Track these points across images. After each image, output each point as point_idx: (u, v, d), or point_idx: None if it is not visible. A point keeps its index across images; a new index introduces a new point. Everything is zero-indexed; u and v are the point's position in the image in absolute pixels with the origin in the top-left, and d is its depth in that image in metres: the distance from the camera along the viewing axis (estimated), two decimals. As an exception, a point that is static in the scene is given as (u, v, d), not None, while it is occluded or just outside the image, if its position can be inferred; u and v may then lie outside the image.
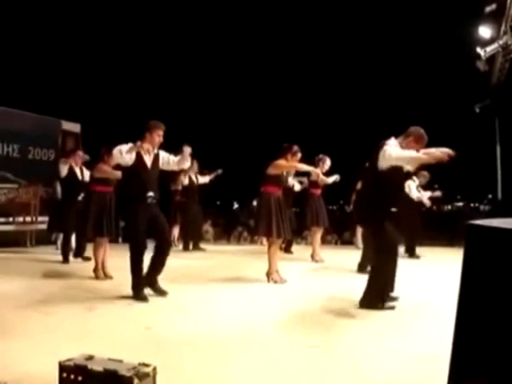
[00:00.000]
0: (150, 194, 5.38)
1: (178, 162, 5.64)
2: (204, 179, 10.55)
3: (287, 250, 9.85)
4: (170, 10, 21.34)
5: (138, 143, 5.28)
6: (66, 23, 18.17)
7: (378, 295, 4.85)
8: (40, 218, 10.65)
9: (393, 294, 5.07)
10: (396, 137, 4.92)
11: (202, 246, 10.65)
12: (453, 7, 16.14)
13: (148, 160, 5.44)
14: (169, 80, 22.02)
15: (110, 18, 19.33)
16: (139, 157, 5.36)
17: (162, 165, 5.60)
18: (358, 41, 22.21)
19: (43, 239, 10.63)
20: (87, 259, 7.98)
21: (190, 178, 10.34)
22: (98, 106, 17.96)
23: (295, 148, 6.50)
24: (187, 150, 5.56)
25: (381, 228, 4.86)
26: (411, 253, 9.15)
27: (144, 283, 5.37)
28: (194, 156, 10.45)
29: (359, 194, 6.17)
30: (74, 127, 12.64)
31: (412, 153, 4.72)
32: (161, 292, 5.41)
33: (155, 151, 5.50)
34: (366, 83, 22.64)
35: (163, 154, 5.61)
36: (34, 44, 17.14)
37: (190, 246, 10.41)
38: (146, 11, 21.01)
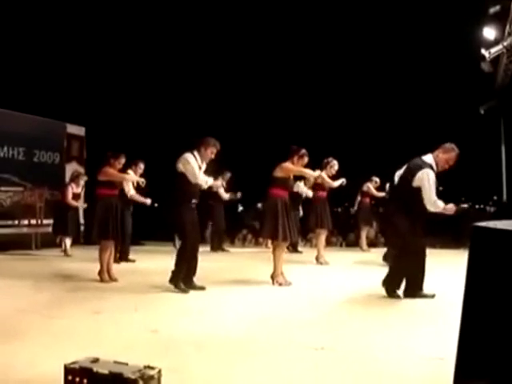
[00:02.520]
0: (194, 200, 6.00)
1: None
2: (224, 195, 10.74)
3: (294, 249, 9.98)
4: (174, 15, 21.39)
5: (196, 154, 5.95)
6: (70, 26, 18.22)
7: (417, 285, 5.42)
8: (45, 221, 10.70)
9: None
10: (432, 151, 5.48)
11: (207, 248, 10.76)
12: (457, 9, 16.10)
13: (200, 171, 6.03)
14: (174, 83, 22.04)
15: (114, 22, 19.38)
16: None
17: None
18: (364, 44, 22.17)
19: (48, 242, 10.66)
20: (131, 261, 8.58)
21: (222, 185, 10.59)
22: (102, 110, 17.97)
23: (303, 151, 6.49)
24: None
25: (411, 236, 5.37)
26: None
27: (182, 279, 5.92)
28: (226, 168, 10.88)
29: (388, 205, 6.42)
30: (78, 130, 12.72)
31: (437, 202, 5.31)
32: (199, 288, 5.95)
33: (204, 164, 6.08)
34: (372, 86, 22.61)
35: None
36: (38, 47, 17.18)
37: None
38: (150, 16, 21.05)
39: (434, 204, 5.30)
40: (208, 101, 22.73)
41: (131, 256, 8.69)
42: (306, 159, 6.54)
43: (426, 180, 5.28)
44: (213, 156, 6.05)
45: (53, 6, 17.30)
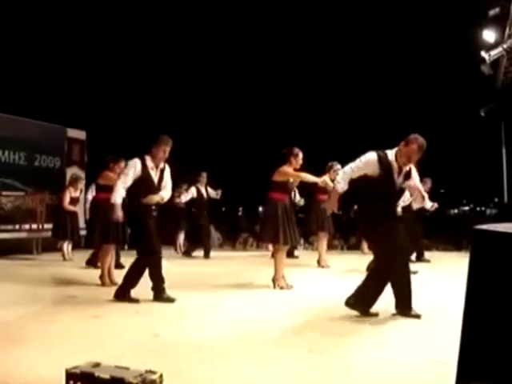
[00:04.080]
0: (153, 207, 5.68)
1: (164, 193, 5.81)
2: (215, 194, 10.51)
3: (291, 255, 9.85)
4: (175, 19, 21.49)
5: (148, 158, 5.55)
6: (71, 32, 18.27)
7: (407, 302, 4.75)
8: (46, 226, 10.68)
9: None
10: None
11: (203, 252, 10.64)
12: (457, 11, 16.14)
13: (154, 175, 5.64)
14: (174, 88, 22.09)
15: (115, 28, 19.43)
16: (146, 171, 5.57)
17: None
18: (364, 47, 22.23)
19: (49, 246, 10.66)
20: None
21: (199, 191, 10.33)
22: (103, 114, 18.01)
23: (296, 150, 6.45)
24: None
25: (379, 234, 4.78)
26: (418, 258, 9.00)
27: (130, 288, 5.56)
28: (203, 169, 10.57)
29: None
30: (79, 134, 12.73)
31: (338, 177, 5.03)
32: (133, 300, 5.51)
33: (161, 165, 5.69)
34: (372, 89, 22.65)
35: (167, 174, 5.77)
36: (39, 52, 17.23)
37: (193, 253, 10.50)
38: (150, 20, 21.13)
39: (338, 177, 4.96)
40: (207, 104, 22.80)
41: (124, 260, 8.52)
42: (301, 155, 6.47)
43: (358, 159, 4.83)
44: (166, 155, 5.63)
45: (54, 11, 17.35)
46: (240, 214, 22.13)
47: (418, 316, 4.69)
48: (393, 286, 4.79)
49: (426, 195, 5.04)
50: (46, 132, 11.79)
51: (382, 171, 4.73)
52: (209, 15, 21.97)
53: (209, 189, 10.51)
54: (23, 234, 10.81)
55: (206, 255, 10.32)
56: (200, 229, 10.44)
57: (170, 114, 20.80)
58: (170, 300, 5.44)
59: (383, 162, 4.75)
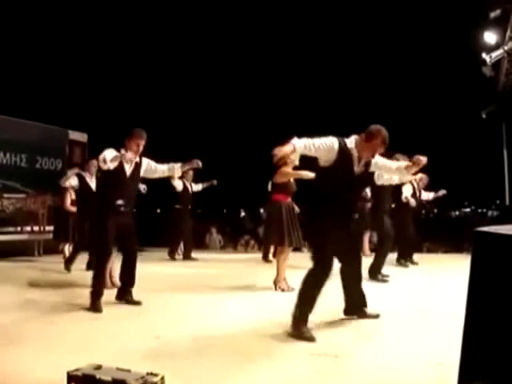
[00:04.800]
0: (120, 202, 5.37)
1: (181, 167, 5.75)
2: (197, 187, 10.47)
3: (266, 258, 9.76)
4: (172, 21, 21.59)
5: (123, 151, 5.32)
6: (73, 34, 18.32)
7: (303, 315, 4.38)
8: (48, 228, 10.68)
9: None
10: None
11: (205, 255, 10.54)
12: (458, 13, 16.17)
13: (128, 168, 5.47)
14: (175, 88, 22.14)
15: (116, 31, 19.48)
16: (120, 164, 5.39)
17: (144, 172, 5.65)
18: (365, 48, 22.28)
19: (51, 248, 10.65)
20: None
21: (185, 185, 10.23)
22: (104, 116, 18.05)
23: None
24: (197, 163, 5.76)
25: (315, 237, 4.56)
26: (404, 259, 8.72)
27: (116, 297, 5.59)
28: (204, 169, 10.47)
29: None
30: (80, 137, 12.72)
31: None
32: (134, 303, 5.49)
33: (137, 160, 5.52)
34: (373, 91, 22.67)
35: (147, 163, 5.65)
36: (41, 54, 17.28)
37: (192, 255, 10.31)
38: (150, 23, 21.21)
39: (300, 141, 4.36)
40: (208, 104, 22.84)
41: None
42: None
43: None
44: (140, 148, 5.43)
45: (55, 15, 17.39)
46: (241, 215, 22.14)
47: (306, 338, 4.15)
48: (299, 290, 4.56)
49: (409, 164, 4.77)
50: (48, 134, 11.79)
51: (339, 159, 4.43)
52: (202, 9, 22.06)
53: (193, 184, 10.41)
54: (25, 236, 10.80)
55: (186, 256, 10.16)
56: (186, 228, 10.33)
57: (172, 117, 20.85)
58: (98, 310, 5.14)
59: (343, 150, 4.46)
